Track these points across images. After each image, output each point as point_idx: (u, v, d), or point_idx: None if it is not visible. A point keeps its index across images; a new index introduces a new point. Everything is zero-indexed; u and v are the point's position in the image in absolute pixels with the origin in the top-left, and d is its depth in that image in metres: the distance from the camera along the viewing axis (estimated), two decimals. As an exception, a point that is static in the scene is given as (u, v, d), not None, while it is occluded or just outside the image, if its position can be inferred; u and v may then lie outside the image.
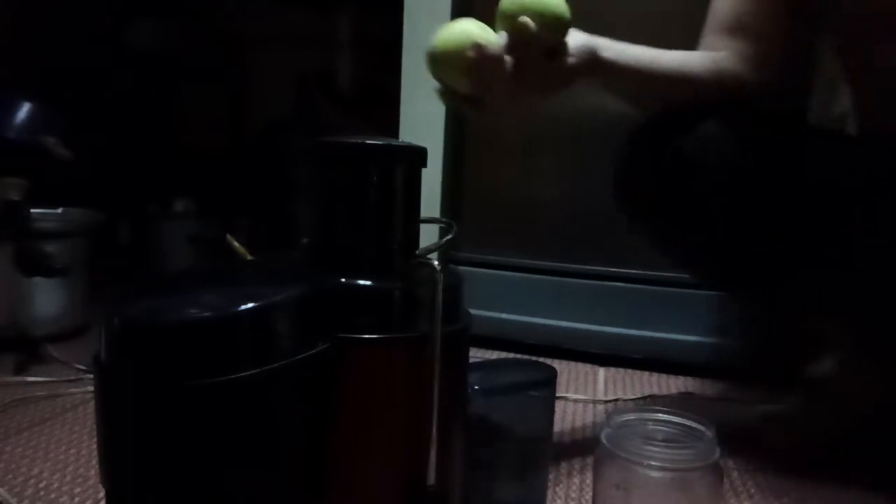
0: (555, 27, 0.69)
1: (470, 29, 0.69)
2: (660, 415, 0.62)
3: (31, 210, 1.15)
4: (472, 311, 0.56)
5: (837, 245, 0.78)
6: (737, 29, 0.83)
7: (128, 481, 0.44)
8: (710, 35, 0.86)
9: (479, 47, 0.67)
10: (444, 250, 0.55)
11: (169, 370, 0.41)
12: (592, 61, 0.73)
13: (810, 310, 0.89)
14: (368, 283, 0.49)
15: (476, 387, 0.61)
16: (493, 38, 0.69)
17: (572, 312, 1.22)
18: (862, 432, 0.86)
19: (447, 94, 0.74)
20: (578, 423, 0.95)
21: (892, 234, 0.76)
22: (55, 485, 0.72)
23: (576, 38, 0.72)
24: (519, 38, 0.67)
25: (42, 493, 0.70)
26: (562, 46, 0.71)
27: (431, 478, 0.49)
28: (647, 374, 1.16)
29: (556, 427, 0.93)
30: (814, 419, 0.88)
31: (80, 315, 1.24)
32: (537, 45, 0.68)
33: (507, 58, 0.68)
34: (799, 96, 1.06)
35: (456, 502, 0.54)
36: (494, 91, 0.70)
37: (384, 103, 1.34)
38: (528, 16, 0.67)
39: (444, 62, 0.70)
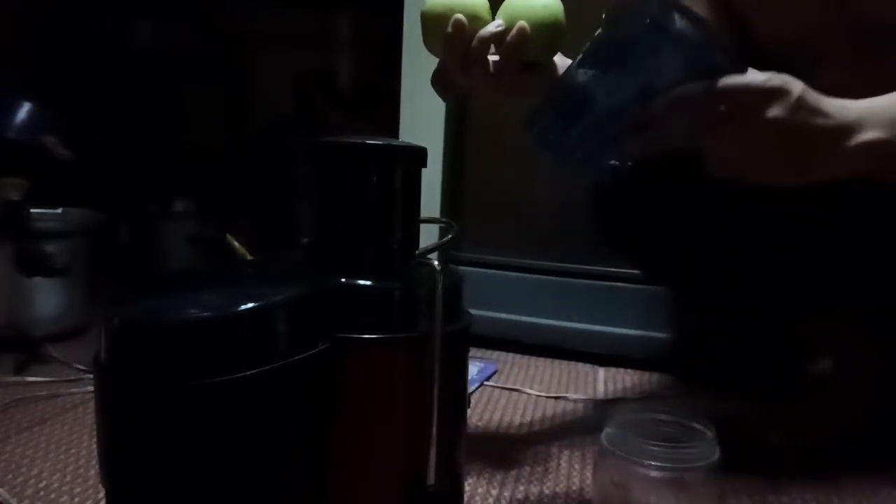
0: (549, 46, 0.68)
1: (464, 2, 0.65)
2: (660, 415, 0.62)
3: (31, 210, 1.15)
4: (472, 311, 0.56)
5: (834, 246, 0.78)
6: None
7: (128, 481, 0.44)
8: None
9: (459, 24, 0.64)
10: (444, 250, 0.55)
11: (169, 370, 0.41)
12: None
13: (808, 310, 0.89)
14: (368, 283, 0.49)
15: None
16: (481, 10, 0.66)
17: (572, 312, 1.22)
18: (861, 432, 0.86)
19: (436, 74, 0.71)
20: (578, 423, 0.95)
21: (889, 233, 0.76)
22: (55, 485, 0.72)
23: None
24: (511, 39, 0.64)
25: (42, 493, 0.70)
26: (543, 65, 0.70)
27: (431, 478, 0.50)
28: (647, 374, 1.16)
29: (556, 427, 0.94)
30: (814, 419, 0.88)
31: (80, 315, 1.24)
32: (524, 54, 0.66)
33: (491, 55, 0.65)
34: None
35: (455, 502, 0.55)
36: (463, 70, 0.67)
37: (384, 103, 1.34)
38: (530, 25, 0.64)
39: (426, 26, 0.68)
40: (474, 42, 0.65)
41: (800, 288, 0.83)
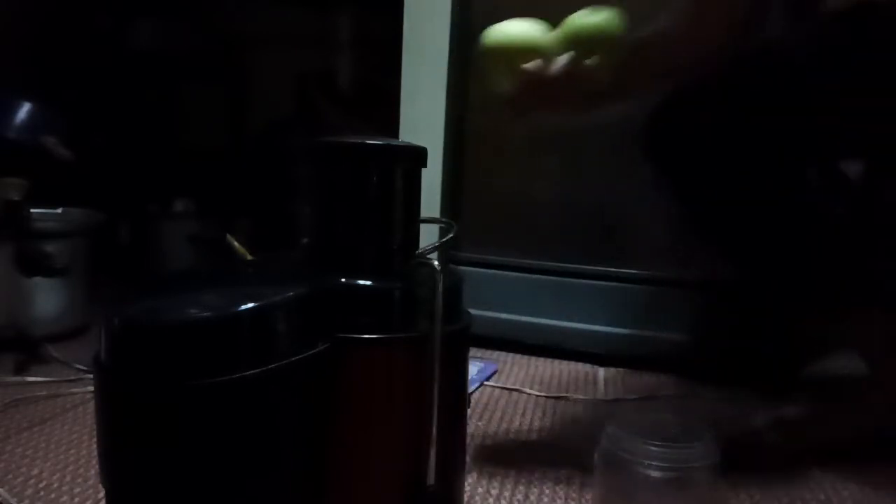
0: (610, 63, 0.70)
1: (525, 35, 0.69)
2: (660, 415, 0.62)
3: (31, 210, 1.15)
4: (472, 311, 0.56)
5: (847, 244, 0.77)
6: None
7: (128, 481, 0.44)
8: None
9: (537, 70, 0.67)
10: (444, 250, 0.55)
11: (169, 370, 0.41)
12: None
13: (810, 311, 0.89)
14: (368, 283, 0.49)
15: None
16: (543, 41, 0.69)
17: (572, 312, 1.22)
18: (866, 434, 0.86)
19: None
20: (579, 424, 0.95)
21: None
22: (55, 485, 0.72)
23: None
24: (581, 73, 0.68)
25: (42, 493, 0.70)
26: (608, 89, 0.72)
27: (431, 478, 0.50)
28: (647, 374, 1.16)
29: (557, 427, 0.94)
30: (815, 420, 0.88)
31: (80, 315, 1.24)
32: (591, 85, 0.69)
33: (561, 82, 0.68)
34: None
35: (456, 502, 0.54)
36: (533, 101, 0.71)
37: (384, 103, 1.34)
38: (598, 54, 0.67)
39: (491, 62, 0.70)
40: (546, 77, 0.68)
41: (806, 287, 0.83)
